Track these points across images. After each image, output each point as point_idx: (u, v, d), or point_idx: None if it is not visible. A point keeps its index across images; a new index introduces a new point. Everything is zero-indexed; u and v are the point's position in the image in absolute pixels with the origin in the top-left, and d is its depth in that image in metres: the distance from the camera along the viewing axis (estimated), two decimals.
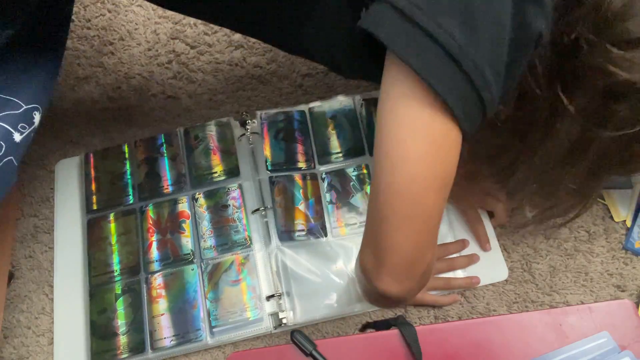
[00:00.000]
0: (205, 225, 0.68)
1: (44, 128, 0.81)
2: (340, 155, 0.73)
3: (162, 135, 0.75)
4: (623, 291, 0.65)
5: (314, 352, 0.44)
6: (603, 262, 0.66)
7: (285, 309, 0.63)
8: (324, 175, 0.71)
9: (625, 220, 0.68)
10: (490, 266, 0.66)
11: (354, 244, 0.67)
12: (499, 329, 0.51)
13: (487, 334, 0.51)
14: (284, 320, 0.63)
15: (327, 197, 0.70)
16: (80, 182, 0.74)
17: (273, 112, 0.75)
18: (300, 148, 0.73)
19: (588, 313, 0.53)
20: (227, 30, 0.86)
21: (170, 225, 0.69)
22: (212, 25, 0.86)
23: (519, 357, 0.50)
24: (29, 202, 0.77)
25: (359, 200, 0.70)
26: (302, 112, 0.75)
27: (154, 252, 0.68)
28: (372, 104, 0.76)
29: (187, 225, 0.69)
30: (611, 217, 0.68)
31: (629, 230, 0.67)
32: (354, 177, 0.71)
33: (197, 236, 0.68)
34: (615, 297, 0.65)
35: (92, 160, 0.75)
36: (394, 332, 0.50)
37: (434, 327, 0.52)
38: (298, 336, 0.45)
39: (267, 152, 0.72)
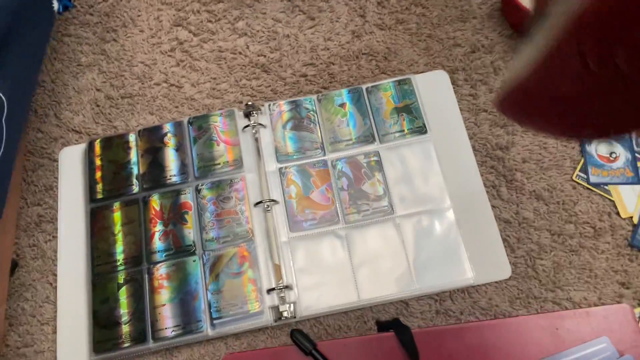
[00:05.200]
0: (208, 217, 0.68)
1: (47, 116, 0.81)
2: (351, 142, 0.72)
3: (167, 125, 0.75)
4: (627, 288, 0.64)
5: (314, 352, 0.44)
6: (608, 259, 0.66)
7: (287, 301, 0.63)
8: (334, 163, 0.71)
9: (632, 217, 0.67)
10: (494, 264, 0.66)
11: (366, 231, 0.67)
12: (495, 333, 0.51)
13: (483, 337, 0.51)
14: (285, 314, 0.63)
15: (338, 184, 0.70)
16: (84, 171, 0.74)
17: (282, 102, 0.75)
18: (310, 137, 0.73)
19: (585, 317, 0.52)
20: (230, 18, 0.84)
21: (173, 216, 0.69)
22: (215, 12, 0.85)
23: None
24: (33, 190, 0.77)
25: (370, 187, 0.69)
26: (311, 101, 0.75)
27: (157, 243, 0.68)
28: (376, 92, 0.75)
29: (189, 217, 0.69)
30: (618, 214, 0.67)
31: (636, 226, 0.66)
32: (365, 164, 0.71)
33: (200, 228, 0.68)
34: (619, 294, 0.64)
35: (96, 148, 0.75)
36: (392, 334, 0.50)
37: (431, 330, 0.52)
38: (298, 335, 0.45)
39: (277, 142, 0.72)
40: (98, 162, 0.74)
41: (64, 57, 0.85)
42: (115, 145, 0.75)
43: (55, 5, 0.77)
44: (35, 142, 0.79)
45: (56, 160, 0.77)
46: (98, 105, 0.81)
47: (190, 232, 0.68)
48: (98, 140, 0.75)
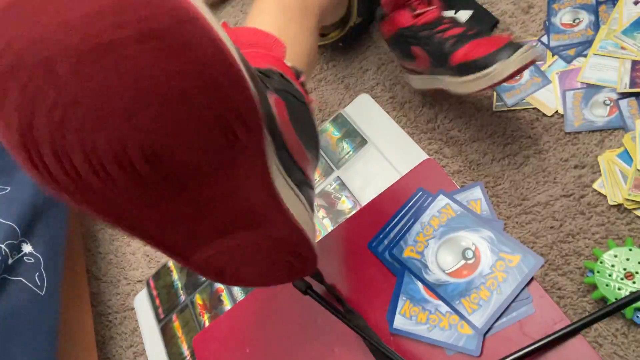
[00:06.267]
0: (235, 288, 0.84)
1: (119, 281, 1.05)
2: (317, 180, 0.87)
3: None
4: (583, 167, 0.68)
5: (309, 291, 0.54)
6: (555, 154, 0.70)
7: None
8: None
9: (557, 111, 0.73)
10: None
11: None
12: None
13: None
14: None
15: (319, 215, 0.83)
16: (150, 304, 0.94)
17: None
18: None
19: (397, 184, 0.70)
20: None
21: (214, 302, 0.85)
22: None
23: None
24: (125, 338, 0.98)
25: (343, 204, 0.82)
26: None
27: None
28: (320, 134, 0.91)
29: (224, 296, 0.85)
30: (544, 115, 0.73)
31: (564, 116, 0.72)
32: (332, 190, 0.84)
33: (232, 299, 0.83)
34: (578, 176, 0.68)
35: (151, 283, 0.95)
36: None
37: None
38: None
39: None
40: (155, 291, 0.94)
41: (114, 238, 1.12)
42: (162, 274, 0.95)
43: None
44: (116, 303, 1.02)
45: (133, 309, 0.99)
46: (148, 255, 1.04)
47: (227, 307, 0.83)
48: (151, 277, 0.96)
